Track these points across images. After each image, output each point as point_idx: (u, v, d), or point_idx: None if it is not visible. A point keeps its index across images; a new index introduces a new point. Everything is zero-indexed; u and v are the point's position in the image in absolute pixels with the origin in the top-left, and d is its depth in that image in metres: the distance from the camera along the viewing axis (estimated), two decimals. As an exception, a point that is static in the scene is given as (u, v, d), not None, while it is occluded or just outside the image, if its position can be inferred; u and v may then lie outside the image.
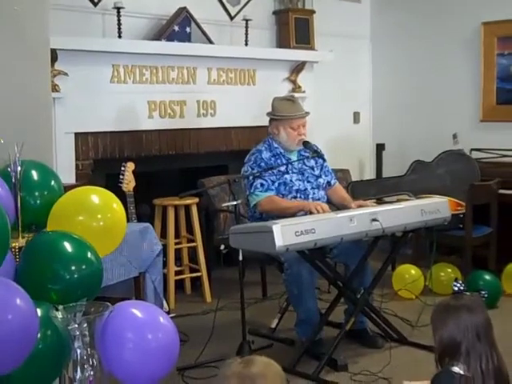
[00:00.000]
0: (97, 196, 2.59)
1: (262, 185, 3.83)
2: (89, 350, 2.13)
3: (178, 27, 4.91)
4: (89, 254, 2.31)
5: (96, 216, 2.52)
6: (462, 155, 5.41)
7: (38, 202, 2.71)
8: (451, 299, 2.23)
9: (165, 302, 4.03)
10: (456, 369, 2.14)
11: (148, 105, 4.88)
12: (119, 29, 4.58)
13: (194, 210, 4.73)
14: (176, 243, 4.77)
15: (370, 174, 6.45)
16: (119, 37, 4.60)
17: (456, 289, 2.23)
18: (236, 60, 5.29)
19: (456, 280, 2.27)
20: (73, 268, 2.24)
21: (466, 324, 2.14)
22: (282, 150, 3.97)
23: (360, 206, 3.78)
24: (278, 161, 3.93)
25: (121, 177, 4.10)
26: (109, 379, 2.23)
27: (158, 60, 4.85)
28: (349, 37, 6.18)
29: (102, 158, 4.69)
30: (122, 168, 4.12)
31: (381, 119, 6.45)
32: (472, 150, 5.47)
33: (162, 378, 2.24)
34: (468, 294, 2.24)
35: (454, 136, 5.57)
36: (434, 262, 4.42)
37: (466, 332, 2.13)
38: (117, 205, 2.61)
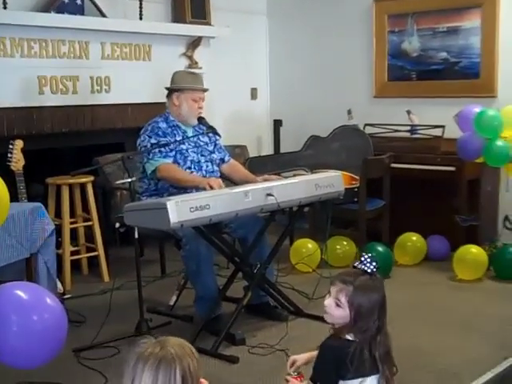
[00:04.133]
0: (-23, 175, 2.46)
1: (160, 152, 3.83)
2: (-30, 335, 2.05)
3: (68, -1, 4.75)
4: (-32, 236, 2.20)
5: (-24, 195, 2.40)
6: (356, 130, 5.51)
7: None
8: (367, 279, 2.22)
9: (59, 283, 3.92)
10: (348, 336, 2.21)
11: (38, 80, 4.70)
12: (4, -1, 4.38)
13: (90, 189, 4.62)
14: (72, 223, 4.65)
15: (267, 149, 6.49)
16: (4, 8, 4.39)
17: (366, 269, 2.22)
18: (130, 35, 5.16)
19: (370, 257, 2.24)
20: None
21: (375, 303, 2.19)
22: (178, 123, 3.96)
23: (266, 181, 3.80)
24: (175, 132, 3.95)
25: (9, 155, 3.93)
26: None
27: (48, 33, 4.66)
28: (245, 12, 6.17)
29: (-11, 136, 4.49)
30: (10, 146, 3.95)
31: (278, 95, 6.50)
32: (366, 125, 5.58)
33: (49, 360, 2.18)
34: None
35: (349, 112, 5.68)
36: (331, 235, 4.52)
37: (374, 310, 2.19)
38: (-2, 183, 2.50)
